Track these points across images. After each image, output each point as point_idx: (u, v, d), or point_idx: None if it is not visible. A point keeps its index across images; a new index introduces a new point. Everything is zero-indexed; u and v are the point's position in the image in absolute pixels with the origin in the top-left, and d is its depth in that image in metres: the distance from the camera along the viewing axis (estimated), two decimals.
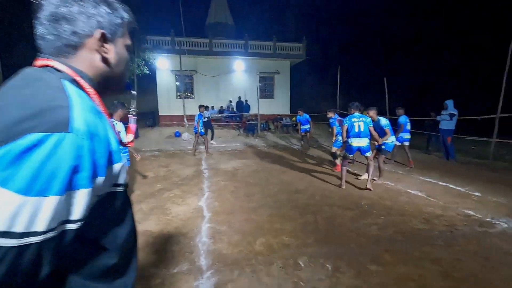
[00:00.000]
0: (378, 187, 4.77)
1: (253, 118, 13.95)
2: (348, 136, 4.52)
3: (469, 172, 5.97)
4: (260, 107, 13.89)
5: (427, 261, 2.40)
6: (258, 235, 2.92)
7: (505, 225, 3.15)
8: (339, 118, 6.17)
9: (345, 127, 4.55)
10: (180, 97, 14.23)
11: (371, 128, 4.46)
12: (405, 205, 3.88)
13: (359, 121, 4.40)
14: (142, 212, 3.64)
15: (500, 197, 4.15)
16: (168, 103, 15.00)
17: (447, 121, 7.23)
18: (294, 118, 15.50)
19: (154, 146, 10.20)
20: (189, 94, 15.55)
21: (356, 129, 4.41)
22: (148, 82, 16.09)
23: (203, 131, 7.92)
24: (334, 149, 6.02)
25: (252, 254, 2.52)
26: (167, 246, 2.68)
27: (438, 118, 7.51)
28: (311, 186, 4.81)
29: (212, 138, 10.69)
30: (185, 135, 11.46)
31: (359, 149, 4.48)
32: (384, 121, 4.87)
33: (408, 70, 20.25)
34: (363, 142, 4.42)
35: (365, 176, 4.96)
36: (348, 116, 4.57)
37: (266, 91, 16.68)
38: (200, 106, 8.02)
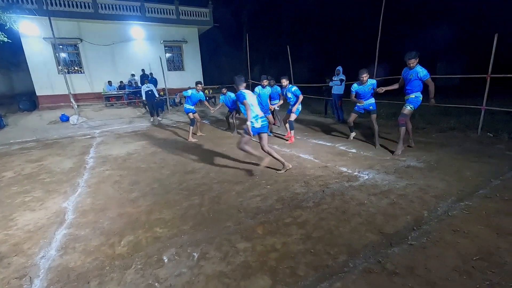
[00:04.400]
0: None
1: (162, 93, 12.64)
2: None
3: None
4: (169, 80, 12.68)
5: (294, 226, 2.49)
6: (126, 233, 2.53)
7: (366, 177, 3.62)
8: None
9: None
10: (65, 72, 11.59)
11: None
12: (293, 170, 4.07)
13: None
14: None
15: (370, 151, 4.81)
16: (48, 80, 12.06)
17: (337, 86, 7.98)
18: (206, 91, 14.83)
19: (29, 136, 8.16)
20: (76, 68, 12.81)
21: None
22: (17, 54, 12.57)
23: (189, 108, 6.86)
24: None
25: (109, 260, 2.13)
26: None
27: (330, 83, 8.20)
28: (210, 163, 4.59)
29: (157, 115, 10.27)
30: (74, 119, 9.56)
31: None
32: (295, 87, 5.65)
33: (314, 39, 21.60)
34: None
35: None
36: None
37: (174, 62, 15.22)
38: (198, 83, 7.03)
